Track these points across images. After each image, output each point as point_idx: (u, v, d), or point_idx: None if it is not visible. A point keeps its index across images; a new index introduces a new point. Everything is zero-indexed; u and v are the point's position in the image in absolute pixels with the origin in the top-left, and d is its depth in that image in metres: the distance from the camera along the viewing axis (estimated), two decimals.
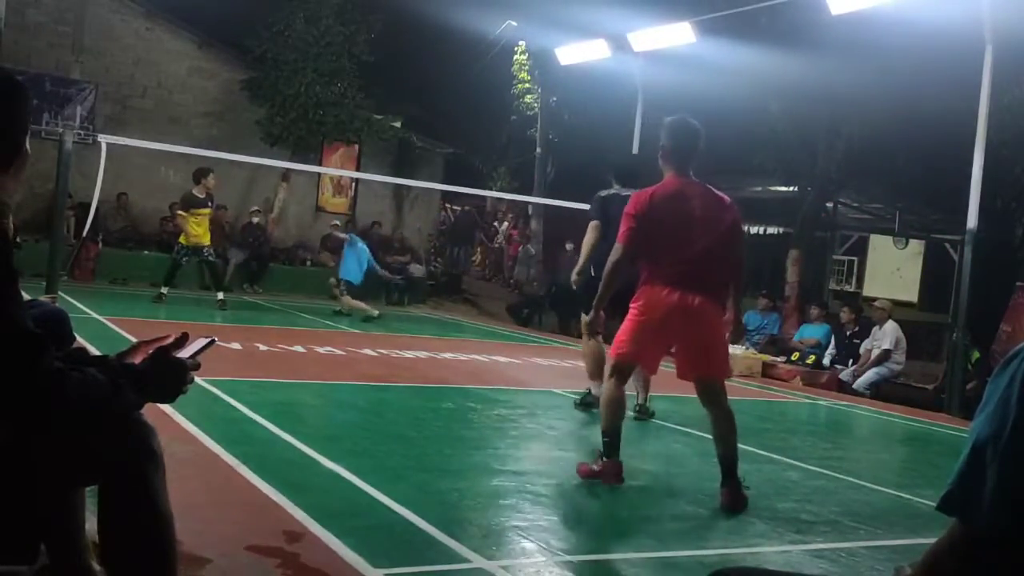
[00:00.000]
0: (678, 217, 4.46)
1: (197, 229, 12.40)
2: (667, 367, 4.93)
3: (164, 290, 12.61)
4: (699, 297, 4.39)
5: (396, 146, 19.45)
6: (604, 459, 4.57)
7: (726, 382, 4.69)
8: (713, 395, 4.52)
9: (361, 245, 14.71)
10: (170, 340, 2.11)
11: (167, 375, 2.02)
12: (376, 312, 13.75)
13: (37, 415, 1.82)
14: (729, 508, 4.31)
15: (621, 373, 4.65)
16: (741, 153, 16.46)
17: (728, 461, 4.42)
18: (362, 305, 14.11)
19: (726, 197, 4.67)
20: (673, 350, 4.73)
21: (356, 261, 14.36)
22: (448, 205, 24.00)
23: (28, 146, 2.02)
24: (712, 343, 4.52)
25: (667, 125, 4.69)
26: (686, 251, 4.43)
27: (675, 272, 4.42)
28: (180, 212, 12.69)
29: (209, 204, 12.54)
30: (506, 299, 19.68)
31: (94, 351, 2.29)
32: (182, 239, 12.47)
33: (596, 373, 6.64)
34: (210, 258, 12.82)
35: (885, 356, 11.19)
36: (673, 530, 3.97)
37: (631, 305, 4.58)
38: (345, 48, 17.54)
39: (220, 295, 12.56)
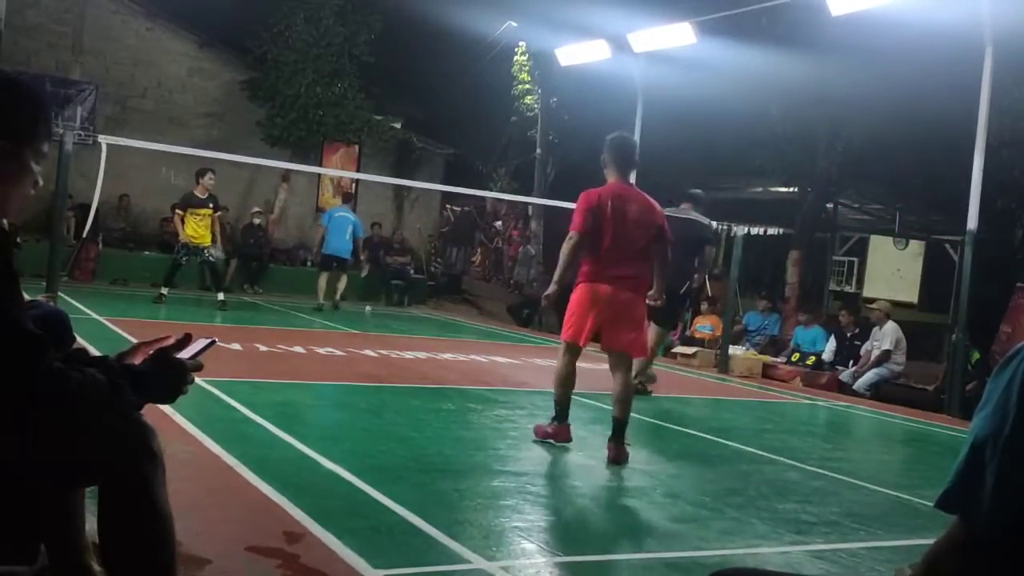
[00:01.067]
0: (618, 214, 5.32)
1: (198, 229, 12.34)
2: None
3: (164, 290, 12.58)
4: (627, 293, 5.36)
5: (396, 147, 19.45)
6: (556, 423, 5.50)
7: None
8: (621, 366, 5.44)
9: (340, 214, 14.48)
10: (171, 341, 2.11)
11: (167, 376, 2.02)
12: (326, 304, 13.94)
13: (38, 416, 1.82)
14: (613, 461, 5.22)
15: (572, 352, 5.51)
16: (741, 154, 16.47)
17: (620, 423, 5.33)
18: (323, 287, 14.07)
19: (656, 203, 5.52)
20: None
21: (340, 232, 14.19)
22: (449, 206, 23.99)
23: (33, 163, 2.01)
24: (632, 328, 5.44)
25: (609, 140, 5.59)
26: (623, 247, 5.33)
27: (610, 272, 5.32)
28: (178, 211, 12.63)
29: (210, 204, 12.45)
30: (506, 300, 19.68)
31: (94, 352, 2.29)
32: (182, 238, 12.44)
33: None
34: (211, 259, 12.80)
35: (885, 357, 11.19)
36: (673, 530, 3.97)
37: (572, 297, 5.47)
38: (345, 49, 17.55)
39: (220, 296, 12.55)
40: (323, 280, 14.23)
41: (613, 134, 5.71)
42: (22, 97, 1.98)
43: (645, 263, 5.46)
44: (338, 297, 14.31)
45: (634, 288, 5.39)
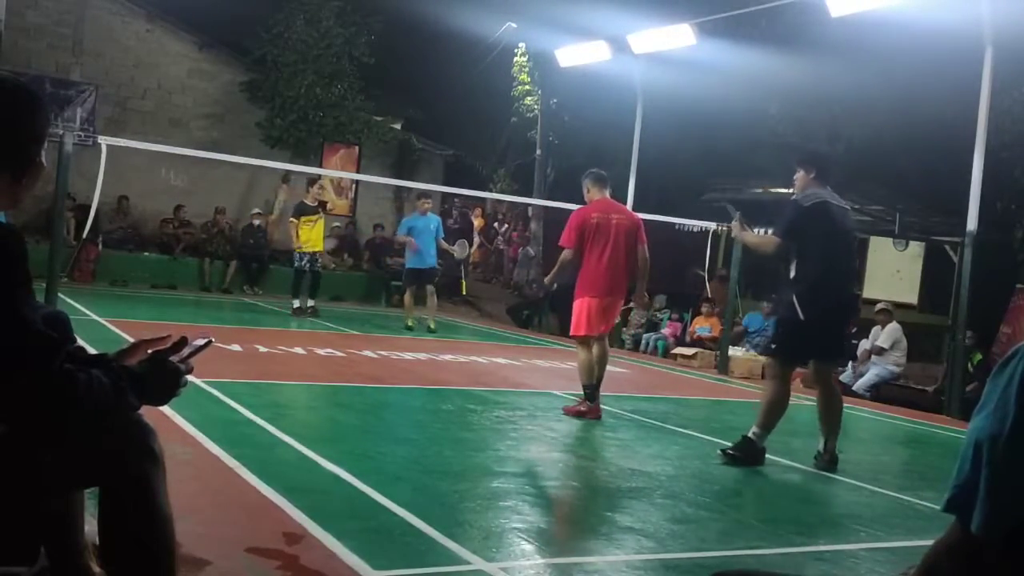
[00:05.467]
0: (604, 223, 6.70)
1: (310, 235, 12.84)
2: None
3: (296, 302, 12.92)
4: (612, 297, 6.84)
5: (396, 148, 19.45)
6: (589, 403, 6.62)
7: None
8: (603, 341, 6.91)
9: (415, 222, 12.70)
10: (169, 343, 2.12)
11: (163, 379, 2.03)
12: (412, 323, 12.64)
13: (48, 415, 1.83)
14: (597, 418, 6.57)
15: (586, 345, 6.75)
16: (741, 155, 16.46)
17: (599, 382, 6.74)
18: (409, 304, 12.75)
19: (634, 213, 7.28)
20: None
21: (431, 238, 12.57)
22: (462, 212, 23.90)
23: (44, 158, 2.02)
24: (614, 317, 7.18)
25: (588, 172, 7.11)
26: (609, 252, 6.63)
27: (602, 284, 6.68)
28: (292, 220, 13.08)
29: (320, 211, 13.09)
30: (506, 301, 19.67)
31: (92, 351, 2.29)
32: (296, 247, 12.90)
33: (770, 421, 5.78)
34: (319, 267, 13.21)
35: (878, 351, 11.24)
36: (673, 531, 3.97)
37: (576, 302, 6.80)
38: (345, 50, 17.55)
39: (311, 302, 12.96)
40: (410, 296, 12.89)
41: (589, 171, 7.13)
42: (31, 109, 1.99)
43: (627, 269, 6.78)
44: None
45: (619, 292, 6.93)
